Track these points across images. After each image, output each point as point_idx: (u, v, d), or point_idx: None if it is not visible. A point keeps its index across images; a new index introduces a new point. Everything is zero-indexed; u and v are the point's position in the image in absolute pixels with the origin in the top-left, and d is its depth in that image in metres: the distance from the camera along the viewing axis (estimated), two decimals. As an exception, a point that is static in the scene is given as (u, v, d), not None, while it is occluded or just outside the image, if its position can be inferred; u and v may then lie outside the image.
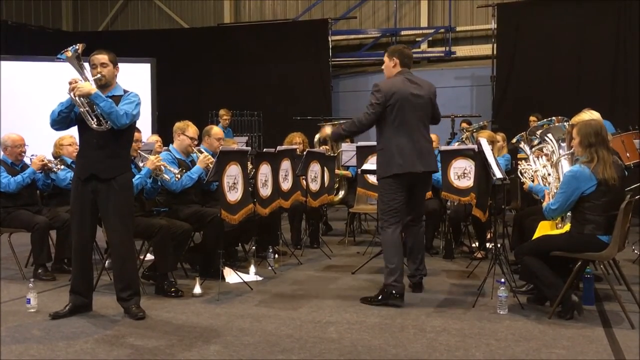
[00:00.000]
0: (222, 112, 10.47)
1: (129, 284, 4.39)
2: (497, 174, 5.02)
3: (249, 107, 12.17)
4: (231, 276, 5.37)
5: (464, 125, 9.56)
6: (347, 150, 7.69)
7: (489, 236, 6.40)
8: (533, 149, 5.25)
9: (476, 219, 5.87)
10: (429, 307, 4.60)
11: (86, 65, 4.32)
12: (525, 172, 5.21)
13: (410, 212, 4.92)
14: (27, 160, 5.84)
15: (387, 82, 4.83)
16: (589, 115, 4.96)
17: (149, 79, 11.50)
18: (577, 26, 10.80)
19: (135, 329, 4.10)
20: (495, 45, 11.62)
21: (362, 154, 6.56)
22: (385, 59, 4.95)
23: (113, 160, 4.32)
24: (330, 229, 8.28)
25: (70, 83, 4.16)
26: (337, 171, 7.76)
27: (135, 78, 10.16)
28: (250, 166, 5.85)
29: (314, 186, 6.77)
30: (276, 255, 6.19)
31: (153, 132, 10.19)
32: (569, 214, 4.45)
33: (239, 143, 7.89)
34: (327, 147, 8.13)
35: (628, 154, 6.29)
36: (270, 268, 5.85)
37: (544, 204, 4.50)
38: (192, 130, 5.67)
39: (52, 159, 5.97)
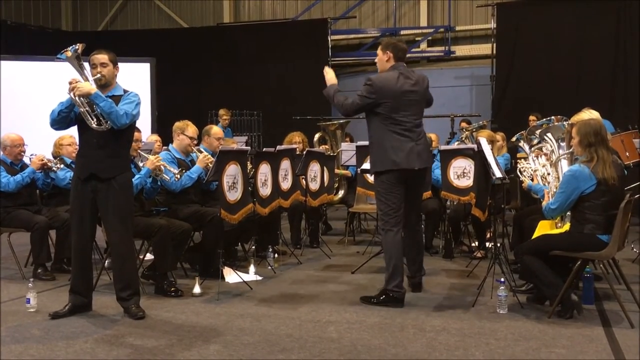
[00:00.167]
0: (221, 111, 10.47)
1: (129, 284, 4.39)
2: (496, 173, 5.02)
3: (249, 107, 12.17)
4: (231, 276, 5.37)
5: (464, 124, 9.57)
6: (347, 150, 7.70)
7: (488, 236, 6.41)
8: (532, 149, 5.25)
9: (476, 218, 5.88)
10: (429, 307, 4.60)
11: (86, 65, 4.33)
12: (524, 171, 5.21)
13: (409, 209, 4.84)
14: (26, 159, 5.84)
15: (381, 78, 4.72)
16: (589, 114, 4.95)
17: (149, 78, 11.49)
18: (577, 26, 10.81)
19: (134, 329, 4.10)
20: (494, 44, 11.63)
21: (362, 153, 6.54)
22: (379, 52, 4.84)
23: (113, 160, 4.32)
24: (329, 228, 8.28)
25: (70, 83, 4.16)
26: (336, 171, 7.76)
27: (135, 78, 10.15)
28: (249, 166, 5.85)
29: (314, 186, 6.77)
30: (276, 255, 6.19)
31: (153, 132, 10.19)
32: (568, 213, 4.45)
33: (238, 143, 7.89)
34: (326, 146, 8.14)
35: (627, 154, 6.29)
36: (270, 268, 5.86)
37: (544, 204, 4.50)
38: (191, 129, 5.67)
39: (52, 158, 5.97)
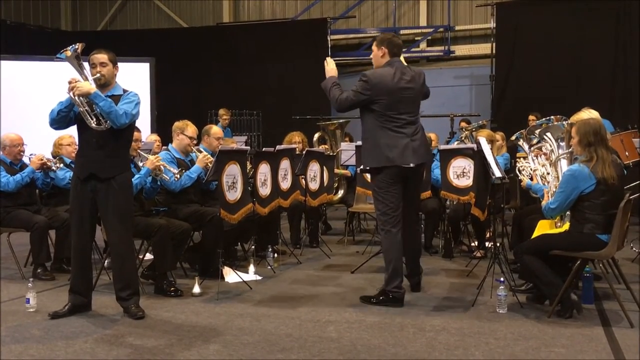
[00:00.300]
0: (221, 111, 10.47)
1: (129, 284, 4.39)
2: (496, 173, 5.02)
3: (248, 107, 12.18)
4: (230, 275, 5.37)
5: (463, 124, 9.57)
6: (346, 150, 7.70)
7: (488, 235, 6.40)
8: (532, 148, 5.25)
9: (475, 218, 5.88)
10: (429, 306, 4.60)
11: (85, 64, 4.33)
12: (523, 170, 5.21)
13: (406, 208, 4.80)
14: (26, 159, 5.84)
15: (376, 75, 4.65)
16: (588, 114, 4.96)
17: (148, 78, 11.49)
18: (576, 25, 10.81)
19: (134, 329, 4.10)
20: (494, 44, 11.63)
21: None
22: (374, 48, 4.77)
23: (112, 160, 4.32)
24: (329, 228, 8.27)
25: (69, 82, 4.16)
26: (336, 170, 7.76)
27: (135, 77, 10.16)
28: (249, 165, 5.85)
29: (313, 185, 6.77)
30: (275, 255, 6.19)
31: (152, 132, 10.18)
32: (568, 213, 4.45)
33: (238, 142, 7.89)
34: (326, 146, 8.14)
35: (627, 153, 6.31)
36: (269, 267, 5.86)
37: (543, 203, 4.50)
38: (191, 129, 5.67)
39: (52, 158, 5.97)
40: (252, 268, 5.64)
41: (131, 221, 4.46)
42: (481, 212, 5.46)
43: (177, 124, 5.72)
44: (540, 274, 4.29)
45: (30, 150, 5.89)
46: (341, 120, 8.76)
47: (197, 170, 5.51)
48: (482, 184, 5.41)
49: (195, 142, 5.76)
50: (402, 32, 13.06)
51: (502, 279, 4.50)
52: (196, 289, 4.93)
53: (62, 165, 5.84)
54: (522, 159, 5.59)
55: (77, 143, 4.64)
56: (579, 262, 4.28)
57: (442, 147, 6.68)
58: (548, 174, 4.90)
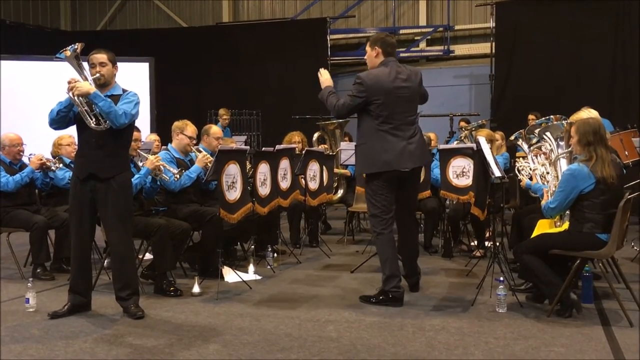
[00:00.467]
0: (221, 111, 10.47)
1: (128, 283, 4.39)
2: (495, 172, 5.02)
3: (248, 106, 12.18)
4: (230, 275, 5.37)
5: (463, 123, 9.58)
6: (346, 149, 7.69)
7: (487, 235, 6.40)
8: (532, 148, 5.25)
9: (475, 217, 5.88)
10: (428, 306, 4.61)
11: (85, 64, 4.32)
12: (522, 170, 5.21)
13: (403, 209, 4.80)
14: (25, 159, 5.84)
15: (371, 75, 4.60)
16: (588, 113, 4.96)
17: (148, 78, 11.49)
18: (576, 25, 10.81)
19: (134, 329, 4.10)
20: (493, 43, 11.63)
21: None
22: (367, 49, 4.73)
23: (112, 160, 4.31)
24: (329, 228, 8.28)
25: (69, 82, 4.15)
26: (336, 170, 7.76)
27: (134, 77, 10.17)
28: (249, 165, 5.84)
29: (313, 185, 6.77)
30: (275, 254, 6.19)
31: (152, 131, 10.18)
32: (567, 212, 4.45)
33: (237, 142, 7.89)
34: (325, 146, 8.14)
35: (627, 152, 6.31)
36: (269, 267, 5.86)
37: (543, 203, 4.50)
38: (190, 129, 5.67)
39: (51, 158, 5.97)
40: (251, 268, 5.64)
41: (131, 221, 4.46)
42: (481, 211, 5.46)
43: (176, 123, 5.72)
44: (540, 274, 4.29)
45: (30, 150, 5.89)
46: (340, 120, 8.75)
47: (196, 170, 5.51)
48: (481, 184, 5.41)
49: (194, 141, 5.76)
50: (401, 31, 13.07)
51: (501, 278, 4.51)
52: (196, 289, 4.93)
53: (61, 165, 5.84)
54: (521, 158, 5.59)
55: (77, 143, 4.64)
56: (578, 261, 4.28)
57: (442, 146, 6.67)
58: (547, 173, 4.90)
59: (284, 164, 6.41)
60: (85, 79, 4.24)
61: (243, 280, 5.26)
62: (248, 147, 7.89)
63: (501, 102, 11.42)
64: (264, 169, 5.86)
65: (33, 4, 14.34)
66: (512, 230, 5.81)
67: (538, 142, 5.13)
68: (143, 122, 9.29)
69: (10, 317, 4.37)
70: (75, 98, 4.14)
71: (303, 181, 6.61)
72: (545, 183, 4.85)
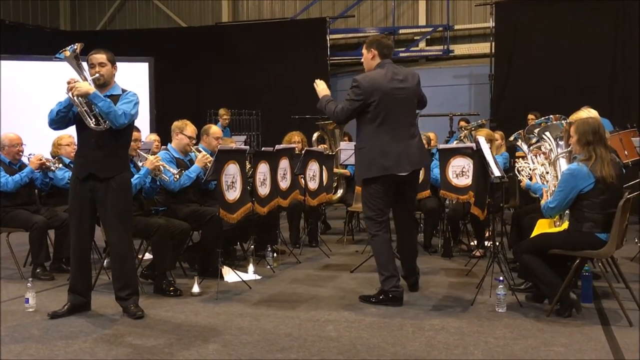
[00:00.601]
0: (221, 111, 10.47)
1: (128, 283, 4.39)
2: (495, 172, 5.02)
3: (247, 106, 12.18)
4: (230, 275, 5.37)
5: (462, 123, 9.57)
6: (346, 149, 7.69)
7: (487, 234, 6.41)
8: (531, 147, 5.25)
9: (475, 217, 5.88)
10: (428, 306, 4.61)
11: (84, 64, 4.32)
12: (522, 170, 5.22)
13: (402, 210, 4.80)
14: (25, 159, 5.84)
15: (367, 78, 4.56)
16: (587, 113, 4.96)
17: (147, 78, 11.49)
18: (576, 24, 10.82)
19: (134, 328, 4.10)
20: (493, 43, 11.64)
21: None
22: (364, 51, 4.70)
23: (112, 160, 4.31)
24: (328, 227, 8.28)
25: (68, 83, 4.15)
26: (335, 170, 7.76)
27: (134, 77, 10.16)
28: (248, 165, 5.84)
29: (313, 185, 6.77)
30: (275, 254, 6.19)
31: (151, 131, 10.18)
32: (567, 212, 4.45)
33: (237, 142, 7.88)
34: (325, 145, 8.14)
35: (626, 152, 6.31)
36: (269, 267, 5.86)
37: (542, 202, 4.50)
38: (190, 129, 5.67)
39: (51, 158, 5.97)
40: (251, 268, 5.64)
41: (130, 221, 4.46)
42: (480, 211, 5.46)
43: (176, 123, 5.72)
44: (540, 273, 4.29)
45: (29, 150, 5.90)
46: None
47: (196, 169, 5.51)
48: (481, 183, 5.41)
49: (194, 141, 5.76)
50: (401, 31, 13.07)
51: (501, 278, 4.51)
52: (195, 289, 4.93)
53: (61, 165, 5.84)
54: (520, 159, 5.60)
55: (76, 143, 4.64)
56: (578, 261, 4.28)
57: (441, 146, 6.67)
58: (547, 173, 4.90)
59: (284, 163, 6.41)
60: (85, 79, 4.24)
61: (243, 280, 5.26)
62: (248, 147, 7.89)
63: (501, 102, 11.42)
64: (263, 168, 5.86)
65: (32, 4, 14.33)
66: (512, 230, 5.81)
67: (537, 141, 5.13)
68: (143, 122, 9.31)
69: (10, 317, 4.37)
70: (75, 98, 4.14)
71: (303, 181, 6.61)
72: (545, 183, 4.86)
